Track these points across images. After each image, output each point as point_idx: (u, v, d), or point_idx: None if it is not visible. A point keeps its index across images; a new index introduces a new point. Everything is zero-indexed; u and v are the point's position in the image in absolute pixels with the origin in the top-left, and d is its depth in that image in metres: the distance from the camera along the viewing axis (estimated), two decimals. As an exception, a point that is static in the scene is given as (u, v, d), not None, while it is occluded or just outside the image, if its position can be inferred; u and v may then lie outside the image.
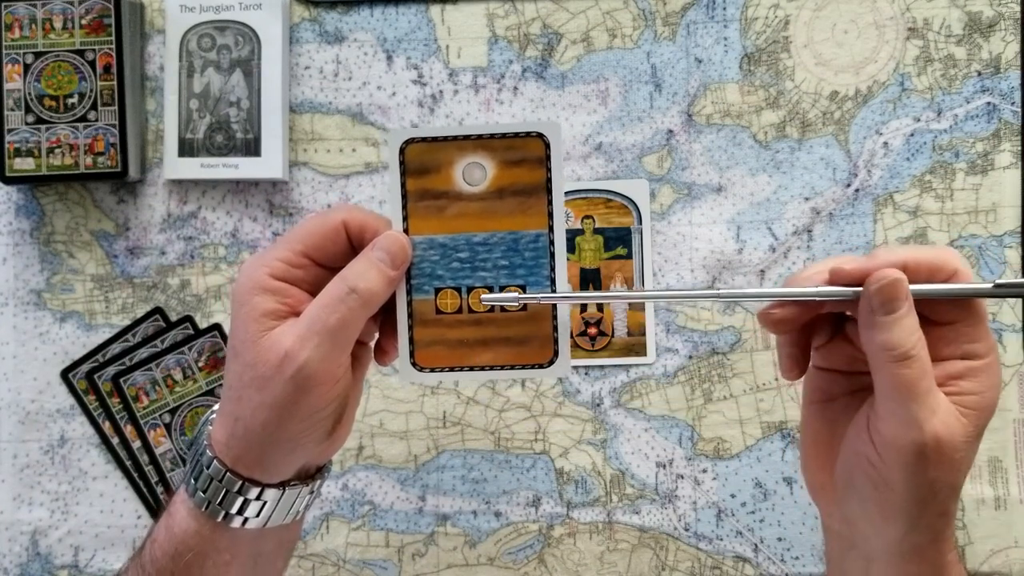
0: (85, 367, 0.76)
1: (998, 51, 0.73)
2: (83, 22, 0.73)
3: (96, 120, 0.73)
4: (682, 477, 0.74)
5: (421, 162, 0.52)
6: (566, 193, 0.73)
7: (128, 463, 0.76)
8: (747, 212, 0.74)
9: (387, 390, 0.75)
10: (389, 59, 0.75)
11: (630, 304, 0.74)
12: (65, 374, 0.76)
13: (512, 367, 0.53)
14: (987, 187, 0.73)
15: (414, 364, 0.53)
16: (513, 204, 0.52)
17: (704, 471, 0.74)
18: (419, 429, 0.75)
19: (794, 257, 0.73)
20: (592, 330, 0.74)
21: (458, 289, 0.53)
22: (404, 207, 0.53)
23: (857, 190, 0.73)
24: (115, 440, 0.76)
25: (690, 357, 0.74)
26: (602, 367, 0.74)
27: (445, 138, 0.52)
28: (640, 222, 0.74)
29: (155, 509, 0.76)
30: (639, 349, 0.74)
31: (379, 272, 0.50)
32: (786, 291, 0.49)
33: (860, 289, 0.47)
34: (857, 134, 0.73)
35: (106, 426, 0.76)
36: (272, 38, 0.74)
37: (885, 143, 0.73)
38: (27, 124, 0.73)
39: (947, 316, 0.47)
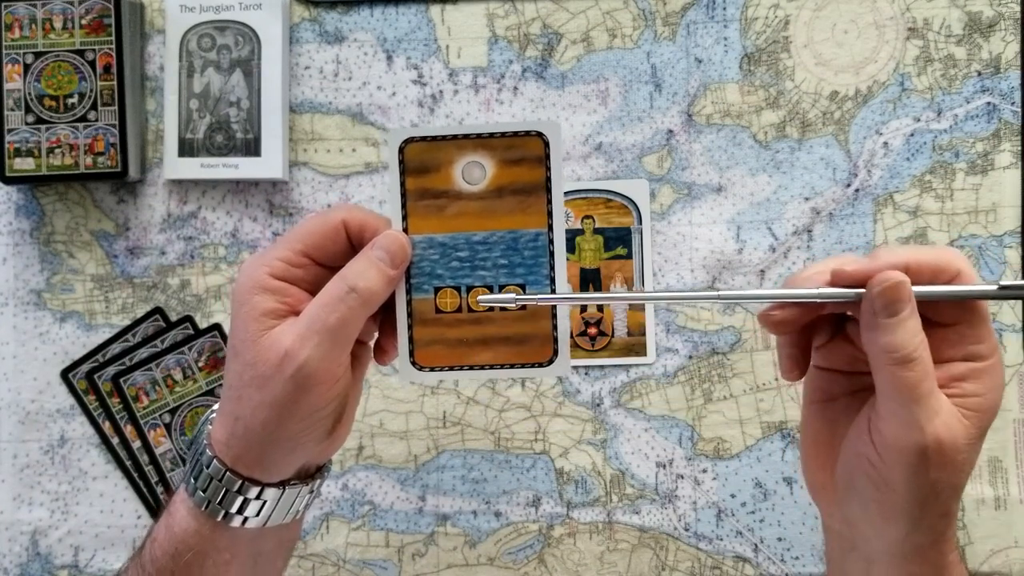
0: (85, 367, 0.76)
1: (998, 51, 0.73)
2: (83, 22, 0.73)
3: (96, 120, 0.73)
4: (682, 477, 0.74)
5: (421, 161, 0.52)
6: (566, 193, 0.73)
7: (128, 463, 0.76)
8: (747, 212, 0.74)
9: (387, 390, 0.75)
10: (389, 59, 0.75)
11: (630, 304, 0.74)
12: (65, 374, 0.76)
13: (512, 366, 0.53)
14: (987, 187, 0.73)
15: (414, 363, 0.53)
16: (513, 203, 0.52)
17: (704, 471, 0.74)
18: (419, 429, 0.75)
19: (794, 257, 0.73)
20: (592, 330, 0.74)
21: (458, 288, 0.53)
22: (404, 206, 0.53)
23: (857, 190, 0.73)
24: (115, 440, 0.76)
25: (690, 357, 0.74)
26: (602, 367, 0.74)
27: (444, 137, 0.52)
28: (640, 222, 0.74)
29: (155, 509, 0.76)
30: (639, 349, 0.74)
31: (379, 271, 0.50)
32: (787, 292, 0.48)
33: (862, 291, 0.46)
34: (857, 134, 0.73)
35: (106, 426, 0.76)
36: (272, 38, 0.74)
37: (885, 143, 0.73)
38: (27, 124, 0.73)
39: (950, 317, 0.47)
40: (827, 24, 0.73)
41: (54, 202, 0.77)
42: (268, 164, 0.74)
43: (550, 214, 0.52)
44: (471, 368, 0.53)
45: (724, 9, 0.74)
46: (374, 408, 0.75)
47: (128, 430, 0.76)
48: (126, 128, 0.73)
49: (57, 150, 0.73)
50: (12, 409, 0.76)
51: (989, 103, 0.73)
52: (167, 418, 0.76)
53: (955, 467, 0.46)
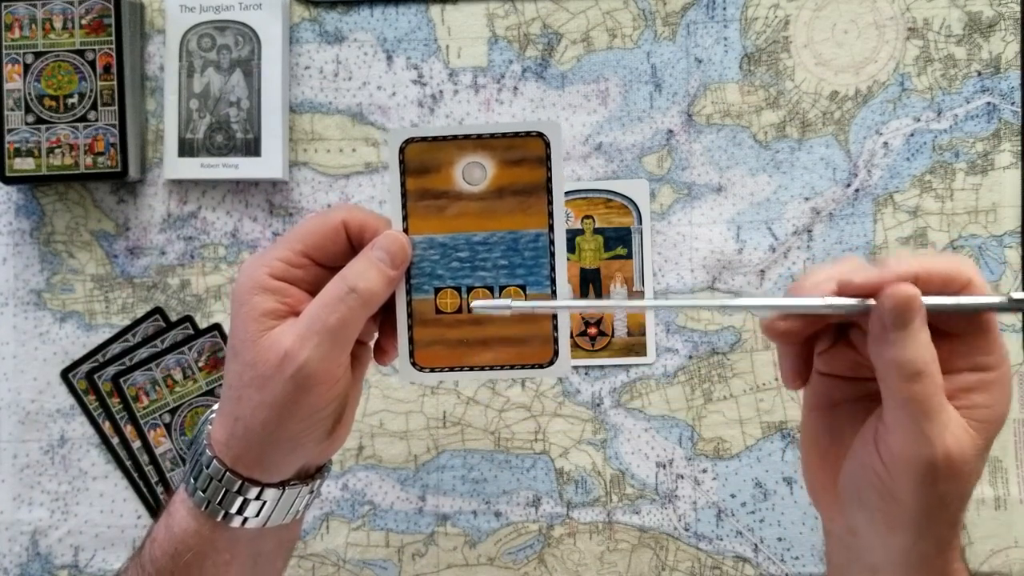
0: (85, 367, 0.76)
1: (998, 51, 0.73)
2: (83, 22, 0.73)
3: (96, 120, 0.73)
4: (682, 477, 0.74)
5: (421, 161, 0.52)
6: (566, 193, 0.73)
7: (128, 463, 0.76)
8: (747, 212, 0.74)
9: (387, 390, 0.75)
10: (389, 59, 0.75)
11: (630, 304, 0.74)
12: (65, 374, 0.76)
13: (512, 367, 0.53)
14: (987, 187, 0.73)
15: (414, 364, 0.53)
16: (513, 204, 0.52)
17: (704, 471, 0.74)
18: (419, 429, 0.75)
19: (794, 257, 0.73)
20: (592, 330, 0.74)
21: (458, 289, 0.53)
22: (404, 207, 0.53)
23: (857, 190, 0.73)
24: (115, 440, 0.76)
25: (690, 357, 0.74)
26: (602, 367, 0.74)
27: (445, 137, 0.52)
28: (640, 222, 0.74)
29: (155, 509, 0.76)
30: (639, 349, 0.74)
31: (379, 272, 0.50)
32: (793, 302, 0.47)
33: (871, 302, 0.45)
34: (857, 134, 0.73)
35: (106, 426, 0.76)
36: (272, 38, 0.74)
37: (885, 143, 0.73)
38: (27, 124, 0.73)
39: (958, 328, 0.46)
40: (827, 24, 0.73)
41: (54, 202, 0.77)
42: (268, 164, 0.74)
43: (551, 215, 0.52)
44: (471, 369, 0.53)
45: (724, 9, 0.74)
46: (374, 408, 0.75)
47: (128, 430, 0.76)
48: (126, 128, 0.73)
49: (57, 150, 0.73)
50: (12, 409, 0.76)
51: (989, 103, 0.73)
52: (167, 418, 0.76)
53: (963, 479, 0.45)
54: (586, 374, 0.75)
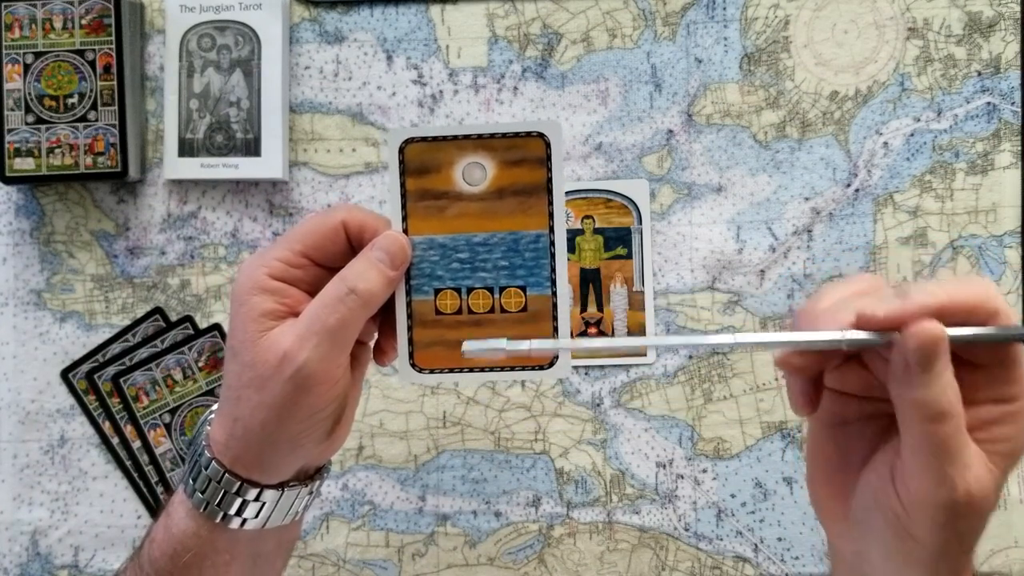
0: (85, 367, 0.76)
1: (998, 51, 0.72)
2: (83, 22, 0.73)
3: (96, 120, 0.73)
4: (682, 477, 0.74)
5: (421, 162, 0.52)
6: (566, 193, 0.73)
7: (128, 463, 0.76)
8: (747, 212, 0.74)
9: (387, 390, 0.75)
10: (389, 59, 0.75)
11: (630, 304, 0.74)
12: (65, 374, 0.76)
13: (512, 369, 0.53)
14: (987, 187, 0.72)
15: (413, 365, 0.53)
16: (513, 204, 0.52)
17: (704, 471, 0.74)
18: (419, 429, 0.75)
19: (794, 257, 0.73)
20: (592, 330, 0.74)
21: (458, 290, 0.53)
22: (404, 207, 0.53)
23: (857, 190, 0.73)
24: (115, 440, 0.76)
25: (690, 357, 0.74)
26: (602, 367, 0.74)
27: (445, 138, 0.52)
28: (640, 222, 0.74)
29: (155, 509, 0.76)
30: (639, 349, 0.74)
31: (378, 272, 0.50)
32: (810, 337, 0.44)
33: (892, 335, 0.43)
34: (857, 134, 0.73)
35: (106, 426, 0.76)
36: (272, 38, 0.74)
37: (885, 143, 0.73)
38: (27, 124, 0.73)
39: (982, 358, 0.44)
40: (827, 24, 0.73)
41: (54, 202, 0.77)
42: (268, 164, 0.74)
43: (551, 215, 0.52)
44: (471, 370, 0.53)
45: (724, 9, 0.74)
46: (374, 408, 0.75)
47: (128, 430, 0.76)
48: (126, 128, 0.73)
49: (57, 150, 0.73)
50: (12, 409, 0.76)
51: (989, 103, 0.73)
52: (167, 418, 0.76)
53: (982, 515, 0.44)
54: (586, 374, 0.75)
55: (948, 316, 0.42)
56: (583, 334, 0.74)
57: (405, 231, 0.52)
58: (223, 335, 0.76)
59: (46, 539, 0.76)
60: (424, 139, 0.52)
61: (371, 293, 0.50)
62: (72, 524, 0.76)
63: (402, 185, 0.52)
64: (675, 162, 0.74)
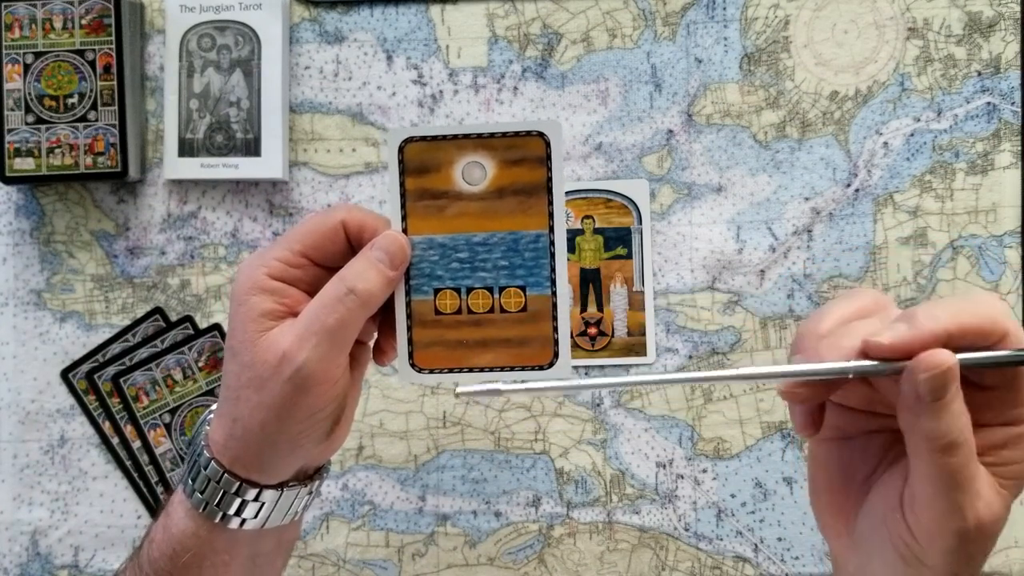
0: (85, 367, 0.76)
1: (998, 51, 0.72)
2: (83, 22, 0.73)
3: (96, 120, 0.73)
4: (682, 477, 0.74)
5: (420, 161, 0.52)
6: (566, 193, 0.73)
7: (128, 463, 0.76)
8: (747, 212, 0.74)
9: (387, 390, 0.75)
10: (389, 59, 0.75)
11: (630, 304, 0.74)
12: (65, 374, 0.76)
13: (512, 369, 0.53)
14: (987, 187, 0.72)
15: (413, 365, 0.53)
16: (513, 204, 0.52)
17: (704, 471, 0.74)
18: (419, 429, 0.75)
19: (794, 257, 0.73)
20: (592, 330, 0.74)
21: (457, 290, 0.53)
22: (403, 207, 0.52)
23: (857, 190, 0.73)
24: (115, 440, 0.76)
25: (690, 357, 0.74)
26: (602, 367, 0.74)
27: (445, 137, 0.52)
28: (640, 222, 0.74)
29: (155, 509, 0.76)
30: (639, 349, 0.74)
31: (378, 272, 0.50)
32: (816, 368, 0.43)
33: (902, 365, 0.42)
34: (857, 134, 0.73)
35: (106, 426, 0.76)
36: (272, 38, 0.74)
37: (885, 143, 0.73)
38: (27, 124, 0.73)
39: (991, 380, 0.43)
40: (827, 24, 0.73)
41: (54, 202, 0.77)
42: (268, 164, 0.74)
43: (551, 215, 0.52)
44: (471, 370, 0.53)
45: (724, 9, 0.74)
46: (374, 408, 0.75)
47: (128, 430, 0.76)
48: (126, 128, 0.73)
49: (57, 150, 0.73)
50: (12, 409, 0.76)
51: (989, 103, 0.73)
52: (167, 418, 0.76)
53: (992, 538, 0.43)
54: (586, 374, 0.75)
55: (957, 341, 0.42)
56: (583, 334, 0.74)
57: (404, 231, 0.52)
58: (223, 335, 0.76)
59: (46, 539, 0.76)
60: (424, 138, 0.52)
61: (370, 293, 0.50)
62: (72, 524, 0.76)
63: (402, 185, 0.52)
64: (675, 162, 0.74)
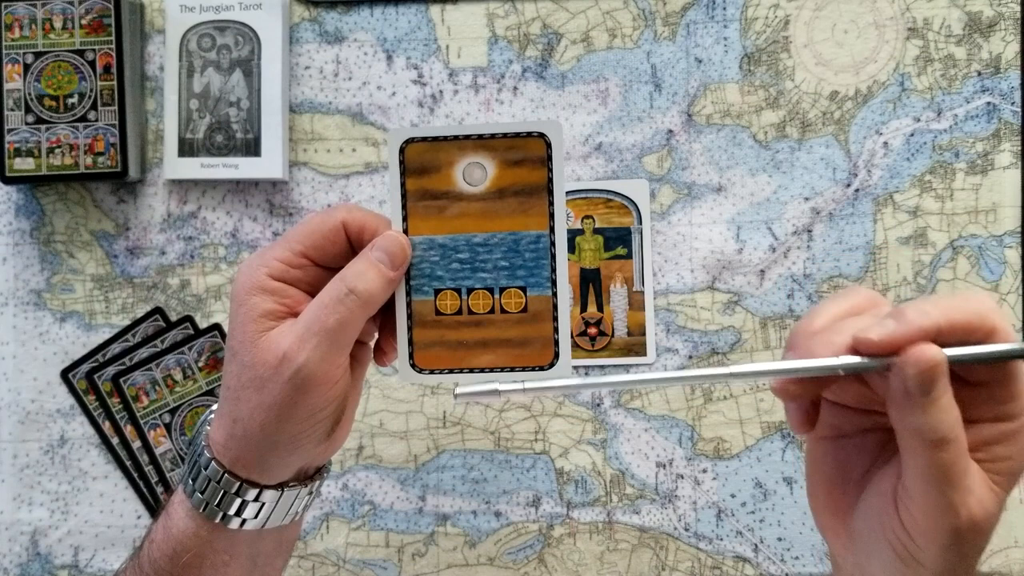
0: (85, 367, 0.76)
1: (998, 51, 0.72)
2: (83, 22, 0.73)
3: (96, 120, 0.73)
4: (682, 477, 0.74)
5: (421, 162, 0.52)
6: (566, 193, 0.73)
7: (128, 463, 0.76)
8: (747, 212, 0.74)
9: (387, 390, 0.75)
10: (389, 59, 0.75)
11: (630, 304, 0.74)
12: (65, 374, 0.76)
13: (512, 369, 0.53)
14: (987, 187, 0.72)
15: (413, 366, 0.53)
16: (514, 205, 0.52)
17: (704, 471, 0.74)
18: (419, 429, 0.75)
19: (794, 257, 0.73)
20: (592, 330, 0.74)
21: (458, 290, 0.53)
22: (404, 207, 0.52)
23: (857, 190, 0.73)
24: (115, 440, 0.76)
25: (690, 357, 0.74)
26: (602, 367, 0.74)
27: (445, 138, 0.52)
28: (640, 222, 0.74)
29: (155, 509, 0.76)
30: (639, 349, 0.74)
31: (378, 273, 0.50)
32: (806, 365, 0.43)
33: (891, 360, 0.42)
34: (857, 134, 0.73)
35: (106, 426, 0.76)
36: (272, 38, 0.74)
37: (885, 143, 0.73)
38: (27, 124, 0.73)
39: (981, 376, 0.43)
40: (827, 24, 0.73)
41: (54, 202, 0.77)
42: (268, 164, 0.74)
43: (552, 216, 0.52)
44: (471, 371, 0.53)
45: (724, 9, 0.74)
46: (374, 408, 0.75)
47: (128, 430, 0.76)
48: (126, 128, 0.73)
49: (57, 150, 0.73)
50: (12, 409, 0.76)
51: (989, 103, 0.73)
52: (167, 418, 0.76)
53: (985, 535, 0.43)
54: (586, 374, 0.75)
55: (945, 337, 0.42)
56: (583, 334, 0.74)
57: (405, 231, 0.52)
58: (223, 335, 0.76)
59: (46, 539, 0.76)
60: (425, 139, 0.52)
61: (370, 294, 0.50)
62: (72, 524, 0.76)
63: (402, 185, 0.52)
64: (675, 162, 0.74)
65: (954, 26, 0.73)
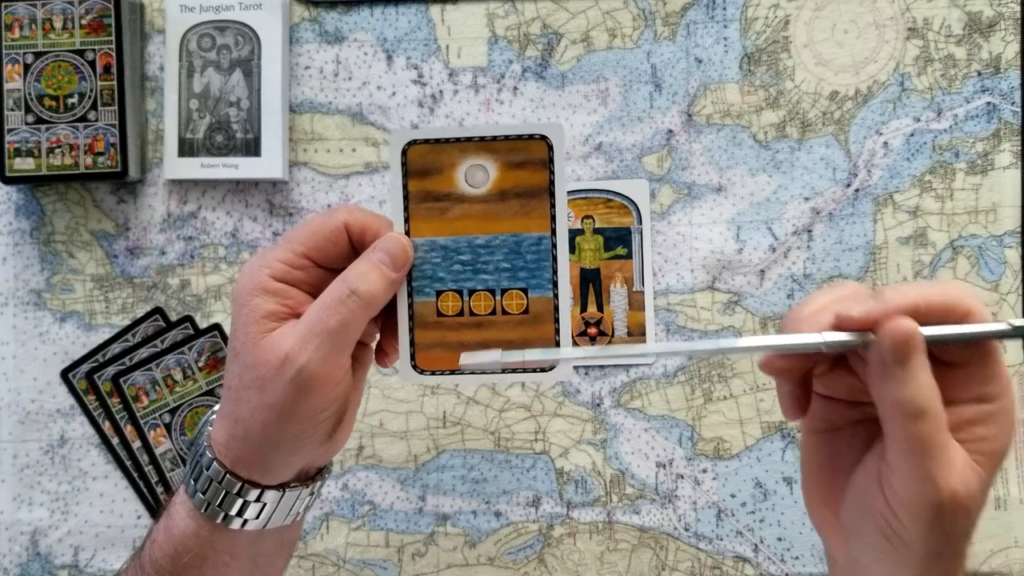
0: (85, 367, 0.76)
1: (998, 51, 0.73)
2: (83, 22, 0.73)
3: (96, 120, 0.73)
4: (682, 477, 0.74)
5: (423, 164, 0.52)
6: (566, 193, 0.73)
7: (128, 463, 0.76)
8: (747, 212, 0.74)
9: (387, 390, 0.75)
10: (389, 59, 0.75)
11: (630, 304, 0.74)
12: (65, 374, 0.76)
13: (513, 370, 0.53)
14: (987, 187, 0.73)
15: (415, 367, 0.53)
16: (515, 206, 0.52)
17: (704, 471, 0.74)
18: (419, 429, 0.75)
19: (794, 257, 0.73)
20: (592, 330, 0.74)
21: (459, 292, 0.53)
22: (406, 209, 0.52)
23: (857, 190, 0.73)
24: (115, 440, 0.76)
25: (690, 357, 0.74)
26: (602, 367, 0.74)
27: (447, 140, 0.52)
28: (640, 222, 0.74)
29: (155, 509, 0.76)
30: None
31: (380, 274, 0.50)
32: (790, 340, 0.45)
33: (869, 335, 0.44)
34: (857, 134, 0.73)
35: (106, 426, 0.76)
36: (272, 38, 0.74)
37: (885, 143, 0.73)
38: (27, 124, 0.73)
39: (960, 358, 0.45)
40: (827, 24, 0.73)
41: (54, 202, 0.77)
42: (268, 164, 0.74)
43: (553, 218, 0.52)
44: (472, 372, 0.53)
45: (724, 9, 0.74)
46: (374, 408, 0.75)
47: (128, 430, 0.76)
48: (126, 128, 0.73)
49: (57, 150, 0.73)
50: (12, 409, 0.76)
51: (989, 103, 0.73)
52: (167, 418, 0.76)
53: (969, 515, 0.44)
54: (586, 374, 0.75)
55: (922, 316, 0.43)
56: (583, 334, 0.74)
57: (407, 233, 0.52)
58: (223, 335, 0.76)
59: (46, 539, 0.76)
60: (426, 141, 0.52)
61: (372, 295, 0.50)
62: (72, 524, 0.76)
63: (404, 187, 0.52)
64: (675, 162, 0.74)
65: (954, 26, 0.73)
